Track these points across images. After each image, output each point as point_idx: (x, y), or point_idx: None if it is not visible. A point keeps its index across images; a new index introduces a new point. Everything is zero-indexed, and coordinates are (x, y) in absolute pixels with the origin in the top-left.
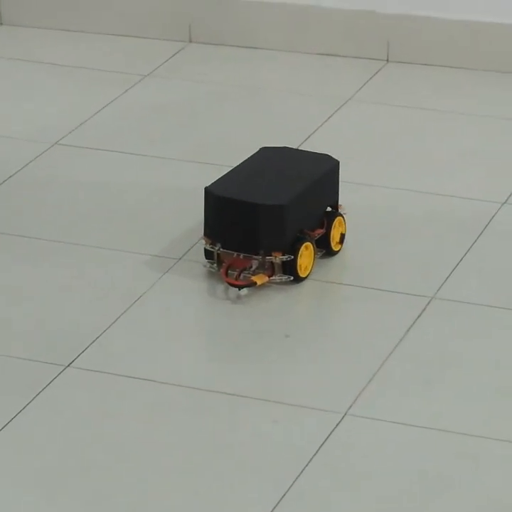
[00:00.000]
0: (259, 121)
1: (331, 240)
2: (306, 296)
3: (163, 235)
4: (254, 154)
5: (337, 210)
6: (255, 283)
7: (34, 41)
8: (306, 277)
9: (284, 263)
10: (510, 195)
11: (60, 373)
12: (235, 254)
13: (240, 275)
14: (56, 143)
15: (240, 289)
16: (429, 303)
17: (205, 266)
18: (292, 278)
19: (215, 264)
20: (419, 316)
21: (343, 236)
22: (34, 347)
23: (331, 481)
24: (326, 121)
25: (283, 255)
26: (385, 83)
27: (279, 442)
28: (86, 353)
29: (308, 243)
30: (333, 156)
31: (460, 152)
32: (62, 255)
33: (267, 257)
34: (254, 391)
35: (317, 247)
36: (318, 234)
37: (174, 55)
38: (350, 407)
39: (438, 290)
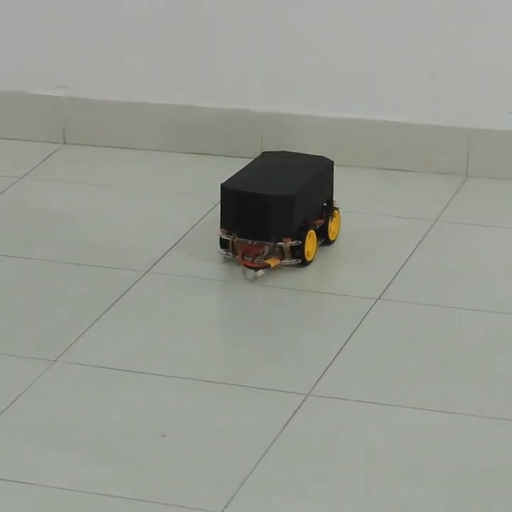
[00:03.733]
0: (136, 220)
1: (329, 230)
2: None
3: (45, 332)
4: (257, 157)
5: (332, 204)
6: (269, 265)
7: None
8: (310, 261)
9: (292, 248)
10: (384, 291)
11: None
12: (250, 241)
13: (254, 259)
14: None
15: (256, 271)
16: (304, 400)
17: (221, 253)
18: (300, 261)
19: (231, 252)
20: (294, 413)
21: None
22: None
23: None
24: (202, 218)
25: (292, 241)
26: None
27: None
28: None
29: (312, 231)
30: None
31: (336, 249)
32: None
33: (278, 243)
34: (134, 493)
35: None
36: (319, 224)
37: (49, 156)
38: (226, 506)
39: (313, 387)
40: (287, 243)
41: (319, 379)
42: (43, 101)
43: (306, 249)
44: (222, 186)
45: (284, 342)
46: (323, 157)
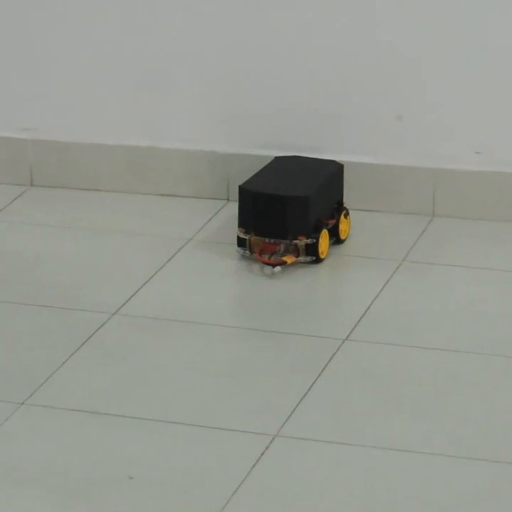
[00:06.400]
0: (103, 262)
1: (340, 230)
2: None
3: (12, 374)
4: (270, 162)
5: (342, 205)
6: (285, 262)
7: None
8: (324, 259)
9: (307, 246)
10: (351, 331)
11: None
12: (267, 239)
13: (271, 256)
14: None
15: (273, 267)
16: (272, 441)
17: (238, 252)
18: (315, 258)
19: (248, 250)
20: (262, 454)
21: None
22: None
23: None
24: (169, 260)
25: (307, 239)
26: (226, 223)
27: None
28: None
29: (325, 230)
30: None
31: (299, 291)
32: None
33: (294, 241)
34: None
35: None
36: (331, 223)
37: (16, 198)
38: None
39: (281, 428)
40: (302, 241)
41: (287, 420)
42: (8, 143)
43: (320, 248)
44: (241, 188)
45: (251, 382)
46: (333, 161)
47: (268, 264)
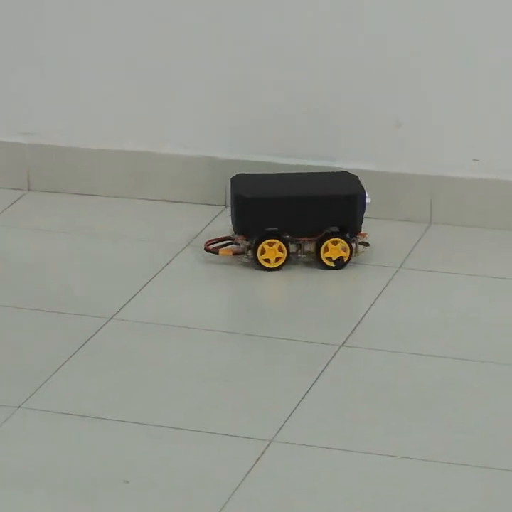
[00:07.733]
0: (100, 266)
1: (322, 254)
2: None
3: (9, 378)
4: (324, 172)
5: (342, 232)
6: (217, 252)
7: None
8: (271, 269)
9: (254, 248)
10: (347, 337)
11: None
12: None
13: (222, 246)
14: None
15: (206, 252)
16: (268, 446)
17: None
18: (253, 261)
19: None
20: (258, 460)
21: (341, 259)
22: None
23: None
24: (166, 265)
25: (246, 240)
26: (224, 228)
27: None
28: None
29: (273, 240)
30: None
31: (297, 297)
32: None
33: (235, 236)
34: None
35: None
36: (304, 241)
37: (13, 203)
38: None
39: (277, 433)
40: (241, 240)
41: (283, 425)
42: (6, 148)
43: (260, 254)
44: (232, 177)
45: (247, 387)
46: (358, 187)
47: (204, 249)
